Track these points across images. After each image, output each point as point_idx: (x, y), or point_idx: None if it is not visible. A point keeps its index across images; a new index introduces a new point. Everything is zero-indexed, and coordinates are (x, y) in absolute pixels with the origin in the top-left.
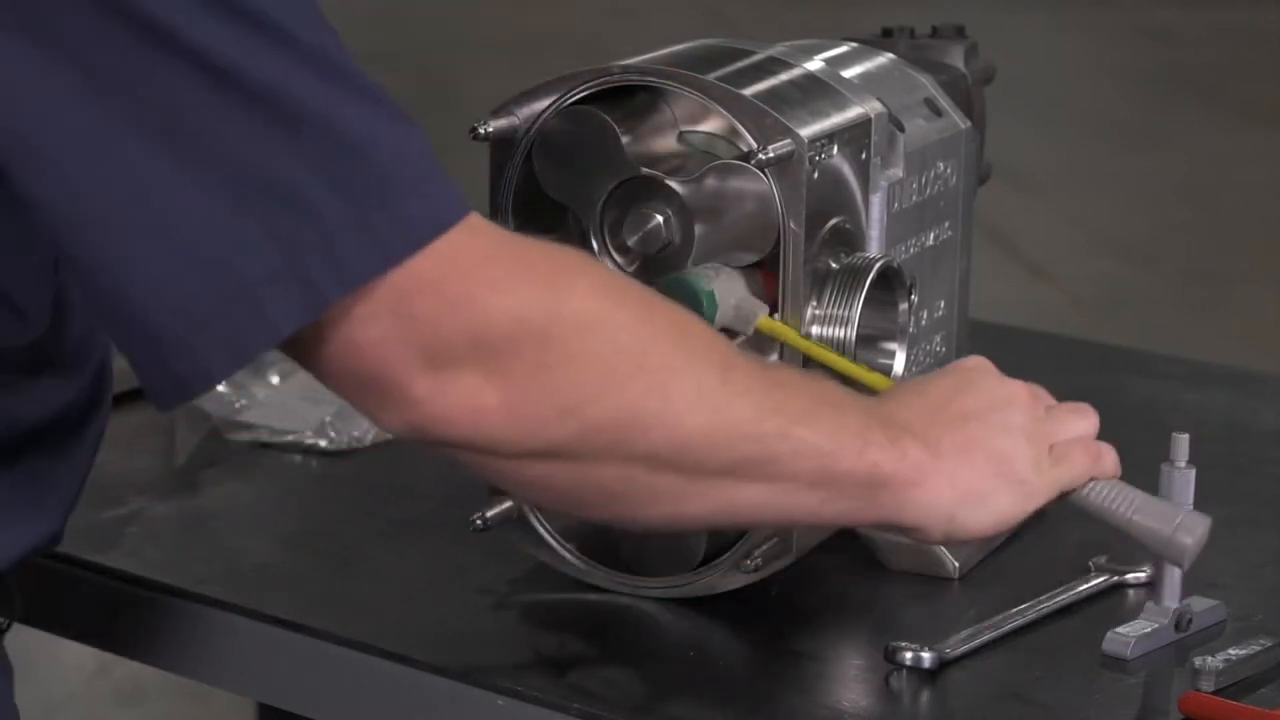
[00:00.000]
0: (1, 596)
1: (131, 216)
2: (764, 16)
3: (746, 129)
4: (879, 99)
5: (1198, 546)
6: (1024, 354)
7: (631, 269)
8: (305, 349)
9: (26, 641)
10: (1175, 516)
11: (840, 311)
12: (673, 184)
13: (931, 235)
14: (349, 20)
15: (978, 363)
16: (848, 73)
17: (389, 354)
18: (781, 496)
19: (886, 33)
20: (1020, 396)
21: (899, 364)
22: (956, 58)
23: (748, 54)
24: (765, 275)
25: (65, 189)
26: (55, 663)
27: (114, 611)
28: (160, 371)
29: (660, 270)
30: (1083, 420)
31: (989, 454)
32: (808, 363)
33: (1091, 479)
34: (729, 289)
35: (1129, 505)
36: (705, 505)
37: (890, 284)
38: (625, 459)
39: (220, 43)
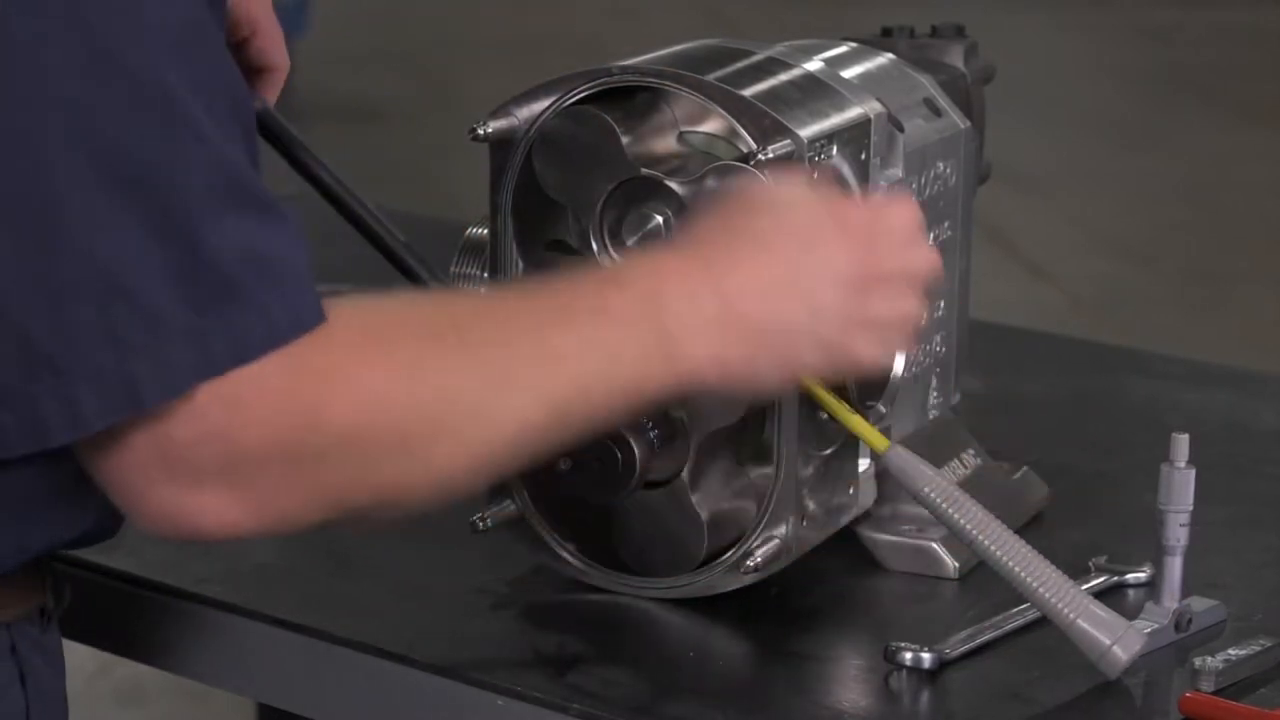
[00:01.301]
0: (52, 583)
1: None
2: (764, 16)
3: (746, 130)
4: (879, 99)
5: (1131, 662)
6: (1024, 354)
7: None
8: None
9: None
10: (1117, 630)
11: None
12: (672, 184)
13: (931, 235)
14: (349, 20)
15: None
16: (847, 73)
17: (136, 469)
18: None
19: (886, 33)
20: (841, 274)
21: (898, 364)
22: (956, 57)
23: (747, 54)
24: None
25: None
26: None
27: (114, 611)
28: None
29: None
30: (902, 302)
31: (777, 358)
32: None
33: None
34: None
35: (1075, 608)
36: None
37: None
38: (388, 512)
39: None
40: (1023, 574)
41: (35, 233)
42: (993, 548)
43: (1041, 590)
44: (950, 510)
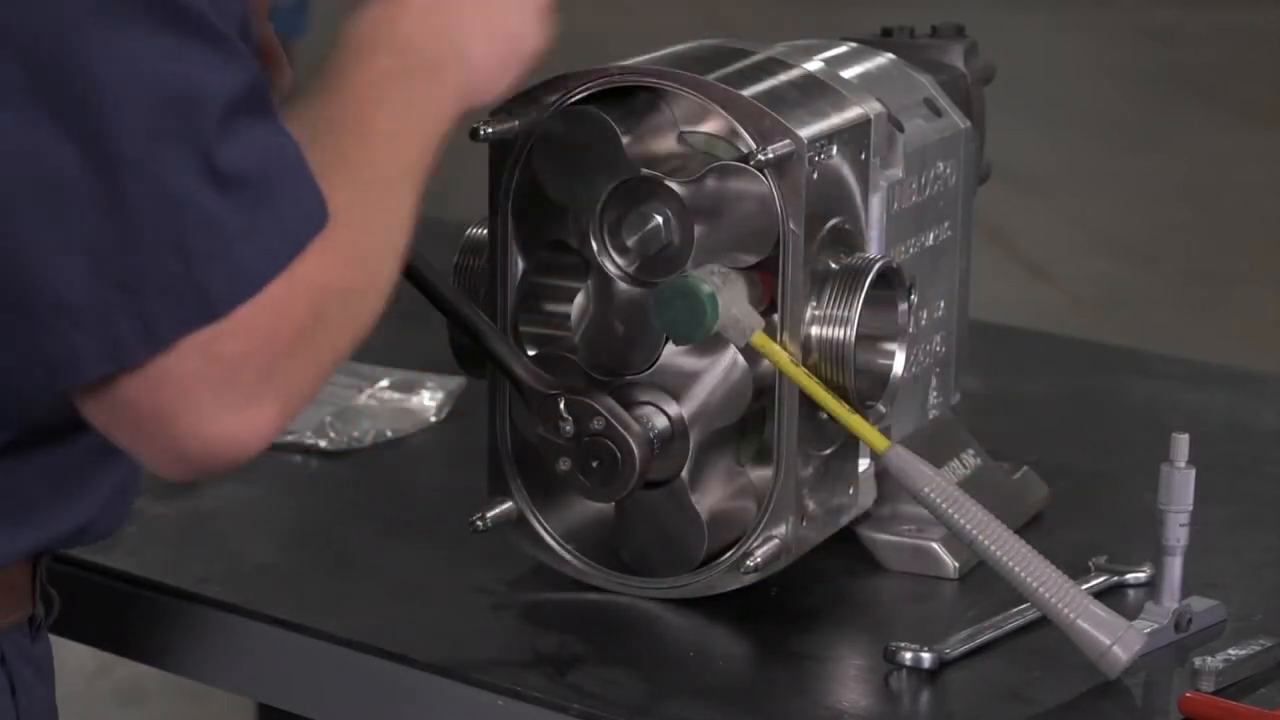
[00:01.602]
0: (42, 592)
1: None
2: (763, 17)
3: (746, 130)
4: (879, 99)
5: (1131, 662)
6: (1024, 354)
7: (631, 269)
8: (98, 388)
9: None
10: (1117, 630)
11: (839, 312)
12: (673, 185)
13: (931, 235)
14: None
15: None
16: (847, 73)
17: (182, 402)
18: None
19: (886, 33)
20: None
21: (898, 364)
22: (956, 57)
23: (747, 54)
24: (765, 276)
25: None
26: (55, 663)
27: (114, 611)
28: None
29: (660, 271)
30: None
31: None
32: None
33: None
34: (732, 297)
35: (1075, 608)
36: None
37: (890, 284)
38: None
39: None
40: (1023, 574)
41: (93, 158)
42: (993, 548)
43: (1041, 590)
44: (950, 510)
